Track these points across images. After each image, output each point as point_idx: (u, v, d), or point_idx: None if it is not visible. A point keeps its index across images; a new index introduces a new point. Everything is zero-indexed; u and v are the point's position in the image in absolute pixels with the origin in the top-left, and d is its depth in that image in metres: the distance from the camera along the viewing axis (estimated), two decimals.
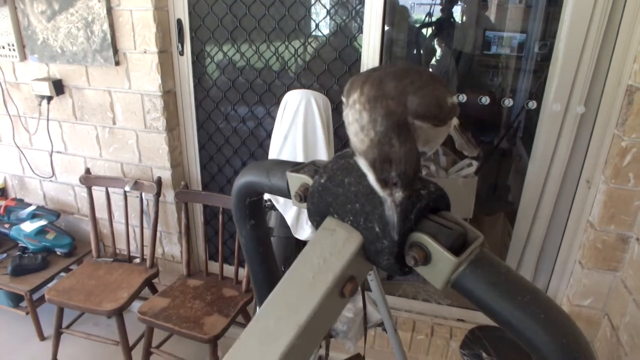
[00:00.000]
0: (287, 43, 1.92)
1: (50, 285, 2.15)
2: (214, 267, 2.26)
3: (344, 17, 1.83)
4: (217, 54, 2.04)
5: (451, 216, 0.49)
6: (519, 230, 1.95)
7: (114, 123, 2.17)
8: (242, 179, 0.67)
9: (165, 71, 2.02)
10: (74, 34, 2.00)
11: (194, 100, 2.14)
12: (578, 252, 1.79)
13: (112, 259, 2.29)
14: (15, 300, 2.35)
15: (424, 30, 2.57)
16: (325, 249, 0.51)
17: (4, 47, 2.15)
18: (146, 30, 1.92)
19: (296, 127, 1.43)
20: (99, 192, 2.27)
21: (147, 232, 2.25)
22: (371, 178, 0.48)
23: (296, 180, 0.59)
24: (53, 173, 2.42)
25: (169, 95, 2.09)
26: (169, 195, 2.26)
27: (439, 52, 2.62)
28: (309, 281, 0.49)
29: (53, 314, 2.11)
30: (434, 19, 2.53)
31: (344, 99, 0.52)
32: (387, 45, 1.87)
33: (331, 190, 0.53)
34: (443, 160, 1.95)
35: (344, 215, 0.52)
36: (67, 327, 2.20)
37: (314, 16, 1.86)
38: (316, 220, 0.56)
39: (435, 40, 2.60)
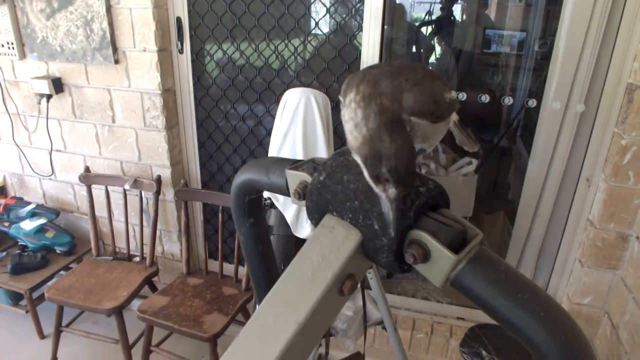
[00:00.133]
0: (286, 41, 1.92)
1: (49, 283, 2.15)
2: (214, 265, 2.26)
3: (344, 16, 1.83)
4: (216, 52, 2.04)
5: (450, 214, 0.49)
6: (518, 228, 1.95)
7: (114, 121, 2.17)
8: (242, 177, 0.67)
9: (165, 69, 2.02)
10: (73, 32, 2.00)
11: (193, 99, 2.14)
12: (578, 251, 1.79)
13: (111, 258, 2.29)
14: (15, 298, 2.35)
15: (424, 29, 2.57)
16: (324, 246, 0.51)
17: (3, 46, 2.15)
18: (145, 29, 1.92)
19: (296, 126, 1.43)
20: (98, 191, 2.27)
21: (147, 231, 2.25)
22: (365, 175, 0.48)
23: (295, 178, 0.59)
24: (52, 171, 2.42)
25: (169, 94, 2.09)
26: (168, 193, 2.26)
27: (439, 50, 2.61)
28: (308, 279, 0.49)
29: (53, 313, 2.11)
30: (434, 17, 2.53)
31: (341, 99, 0.52)
32: (386, 43, 1.87)
33: (330, 187, 0.53)
34: (443, 159, 1.95)
35: (343, 212, 0.52)
36: (67, 325, 2.20)
37: (313, 14, 1.86)
38: (315, 217, 0.56)
39: (435, 39, 2.60)
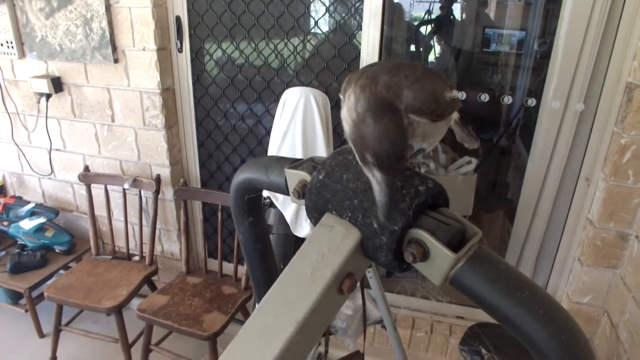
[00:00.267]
0: (286, 40, 1.91)
1: (49, 282, 2.15)
2: (213, 264, 2.26)
3: (343, 15, 1.83)
4: (216, 52, 2.04)
5: (450, 212, 0.49)
6: (518, 227, 1.95)
7: (113, 120, 2.17)
8: (241, 176, 0.67)
9: (164, 68, 2.02)
10: (72, 32, 2.00)
11: (192, 98, 2.14)
12: (577, 250, 1.79)
13: (111, 257, 2.29)
14: (15, 297, 2.35)
15: (423, 28, 2.57)
16: (324, 245, 0.51)
17: (2, 45, 2.15)
18: (145, 28, 1.92)
19: (295, 125, 1.43)
20: (97, 190, 2.27)
21: (146, 230, 2.25)
22: (357, 157, 0.49)
23: (294, 177, 0.59)
24: (52, 171, 2.41)
25: (168, 93, 2.09)
26: (168, 192, 2.26)
27: (438, 49, 2.61)
28: (307, 277, 0.49)
29: (52, 312, 2.11)
30: (433, 16, 2.53)
31: (341, 97, 0.53)
32: (386, 42, 1.87)
33: (329, 186, 0.53)
34: (442, 158, 1.95)
35: (342, 211, 0.52)
36: (66, 324, 2.20)
37: (313, 13, 1.86)
38: (314, 216, 0.56)
39: (435, 38, 2.60)
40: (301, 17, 1.86)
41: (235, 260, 2.11)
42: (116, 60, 2.01)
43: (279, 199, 1.51)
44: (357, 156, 0.49)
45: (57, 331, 2.14)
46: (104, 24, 1.93)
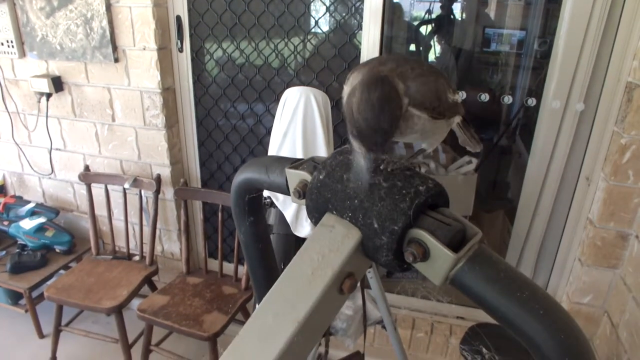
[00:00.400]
0: (286, 40, 1.91)
1: (49, 282, 2.15)
2: (214, 264, 2.26)
3: (344, 14, 1.83)
4: (216, 51, 2.04)
5: (450, 212, 0.49)
6: (518, 227, 1.95)
7: (113, 120, 2.17)
8: (241, 176, 0.67)
9: (165, 68, 2.02)
10: (73, 31, 2.00)
11: (193, 97, 2.14)
12: (577, 250, 1.79)
13: (111, 257, 2.29)
14: (14, 297, 2.35)
15: (423, 28, 2.56)
16: (324, 245, 0.51)
17: (2, 44, 2.15)
18: (145, 27, 1.92)
19: (295, 124, 1.43)
20: (98, 190, 2.27)
21: (147, 230, 2.25)
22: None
23: (295, 177, 0.59)
24: (52, 170, 2.42)
25: (168, 92, 2.09)
26: (168, 192, 2.26)
27: (438, 49, 2.61)
28: (307, 277, 0.49)
29: (52, 312, 2.11)
30: (433, 16, 2.53)
31: (345, 87, 0.53)
32: (386, 42, 1.87)
33: (330, 186, 0.53)
34: (443, 158, 1.95)
35: (343, 211, 0.52)
36: (67, 324, 2.20)
37: (313, 13, 1.86)
38: (315, 216, 0.56)
39: (435, 38, 2.60)
40: (301, 17, 1.86)
41: (236, 260, 2.11)
42: (116, 60, 2.01)
43: (279, 199, 1.51)
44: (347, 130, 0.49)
45: (57, 331, 2.14)
46: (105, 23, 1.93)
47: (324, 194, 0.53)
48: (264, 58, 1.98)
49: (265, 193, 1.50)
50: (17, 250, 2.29)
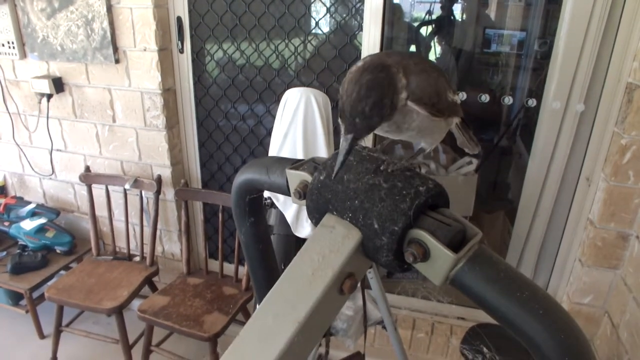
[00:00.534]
0: (287, 41, 1.92)
1: (50, 283, 2.16)
2: (214, 265, 2.26)
3: (344, 15, 1.83)
4: (217, 52, 2.04)
5: (450, 213, 0.49)
6: (518, 228, 1.95)
7: (114, 121, 2.17)
8: (242, 177, 0.67)
9: (165, 69, 2.02)
10: (73, 32, 2.00)
11: (193, 98, 2.14)
12: (578, 250, 1.79)
13: (112, 257, 2.29)
14: (15, 298, 2.35)
15: (424, 28, 2.56)
16: (324, 245, 0.51)
17: (3, 45, 2.15)
18: (146, 28, 1.92)
19: (296, 125, 1.43)
20: (98, 190, 2.27)
21: (147, 230, 2.25)
22: None
23: (295, 178, 0.59)
24: (53, 171, 2.42)
25: (169, 93, 2.09)
26: (168, 193, 2.26)
27: (439, 50, 2.61)
28: (308, 278, 0.49)
29: (53, 312, 2.11)
30: (434, 16, 2.53)
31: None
32: (387, 43, 1.87)
33: (330, 187, 0.53)
34: (443, 158, 1.95)
35: (343, 212, 0.52)
36: (67, 325, 2.20)
37: (314, 14, 1.86)
38: (315, 217, 0.56)
39: (436, 38, 2.60)
40: (302, 18, 1.86)
41: (236, 261, 2.11)
42: (117, 61, 2.01)
43: (279, 200, 1.51)
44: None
45: (58, 332, 2.14)
46: (105, 24, 1.93)
47: (324, 194, 0.54)
48: (264, 59, 1.98)
49: (266, 194, 1.50)
50: (18, 251, 2.30)
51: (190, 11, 1.97)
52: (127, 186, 2.17)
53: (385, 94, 0.48)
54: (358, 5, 1.78)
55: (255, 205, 0.70)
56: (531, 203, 1.87)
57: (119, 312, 1.98)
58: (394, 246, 0.48)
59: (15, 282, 2.17)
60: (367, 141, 1.85)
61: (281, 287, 0.50)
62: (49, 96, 2.16)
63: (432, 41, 2.59)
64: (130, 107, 2.11)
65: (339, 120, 0.49)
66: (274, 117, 1.56)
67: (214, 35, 2.00)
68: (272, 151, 1.50)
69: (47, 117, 2.25)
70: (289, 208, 1.50)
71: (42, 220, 2.35)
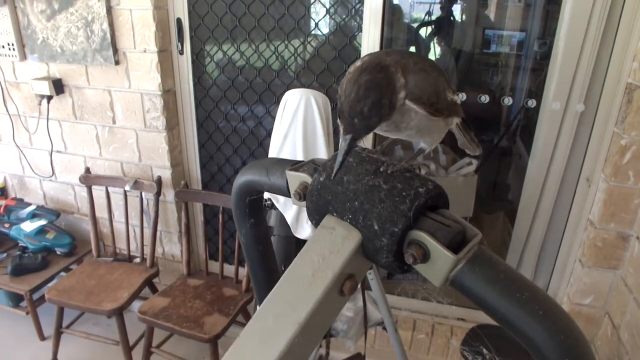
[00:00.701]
0: (286, 42, 1.92)
1: (50, 285, 2.15)
2: (214, 266, 2.26)
3: (344, 16, 1.83)
4: (216, 53, 2.04)
5: (450, 214, 0.49)
6: (519, 228, 1.95)
7: (114, 122, 2.17)
8: (242, 178, 0.67)
9: (165, 70, 2.02)
10: (73, 34, 2.00)
11: (193, 100, 2.14)
12: (578, 251, 1.79)
13: (112, 259, 2.29)
14: (15, 300, 2.35)
15: (423, 29, 2.57)
16: (325, 247, 0.51)
17: (3, 47, 2.15)
18: (146, 30, 1.92)
19: (296, 126, 1.43)
20: (99, 192, 2.28)
21: (147, 232, 2.25)
22: None
23: (295, 179, 0.59)
24: (53, 172, 2.42)
25: (169, 95, 2.09)
26: (169, 194, 2.26)
27: (438, 50, 2.61)
28: (308, 279, 0.49)
29: (53, 314, 2.11)
30: (433, 17, 2.53)
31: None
32: (386, 44, 1.87)
33: (330, 188, 0.53)
34: (443, 159, 1.95)
35: (343, 213, 0.52)
36: (67, 326, 2.20)
37: (313, 15, 1.86)
38: (315, 218, 0.56)
39: (435, 39, 2.60)
40: (302, 19, 1.86)
41: (236, 262, 2.11)
42: (117, 62, 2.01)
43: (280, 201, 1.51)
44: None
45: (58, 333, 2.14)
46: (105, 26, 1.93)
47: (324, 195, 0.54)
48: (264, 60, 1.98)
49: (266, 195, 1.50)
50: (18, 253, 2.30)
51: (190, 12, 1.97)
52: (127, 187, 2.17)
53: (383, 94, 0.48)
54: (357, 6, 1.78)
55: (255, 206, 0.70)
56: (531, 204, 1.87)
57: (119, 313, 1.98)
58: (394, 247, 0.48)
59: (15, 284, 2.17)
60: (367, 142, 1.85)
61: (281, 289, 0.50)
62: (49, 98, 2.16)
63: (432, 42, 2.59)
64: (130, 108, 2.11)
65: (338, 121, 0.49)
66: (273, 118, 1.56)
67: (213, 37, 2.00)
68: (272, 152, 1.50)
69: (47, 119, 2.25)
70: (289, 209, 1.50)
71: (43, 222, 2.35)
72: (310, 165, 0.59)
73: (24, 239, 2.31)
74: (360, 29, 1.80)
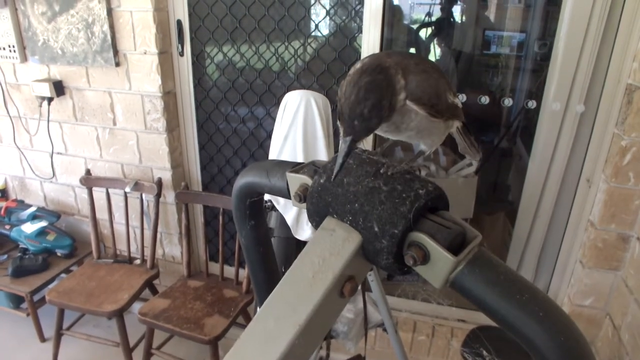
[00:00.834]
0: (286, 43, 1.92)
1: (50, 286, 2.16)
2: (215, 268, 2.26)
3: (344, 18, 1.83)
4: (217, 55, 2.05)
5: (450, 215, 0.49)
6: (519, 229, 1.95)
7: (115, 124, 2.18)
8: (243, 180, 0.67)
9: (165, 72, 2.02)
10: (74, 35, 2.01)
11: (194, 101, 2.14)
12: (579, 252, 1.79)
13: (112, 260, 2.29)
14: (16, 301, 2.35)
15: (423, 30, 2.57)
16: (325, 248, 0.51)
17: (4, 49, 2.16)
18: (146, 31, 1.93)
19: (296, 128, 1.43)
20: (99, 193, 2.28)
21: (148, 233, 2.25)
22: None
23: (296, 181, 0.59)
24: (53, 174, 2.42)
25: (169, 96, 2.09)
26: (169, 196, 2.26)
27: (438, 52, 2.61)
28: (308, 281, 0.49)
29: (54, 316, 2.11)
30: (433, 18, 2.53)
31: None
32: (386, 45, 1.88)
33: (330, 190, 0.53)
34: (443, 160, 1.95)
35: (343, 215, 0.52)
36: (68, 328, 2.20)
37: (313, 16, 1.86)
38: (316, 220, 0.56)
39: (435, 40, 2.60)
40: (302, 21, 1.86)
41: (237, 264, 2.11)
42: (117, 64, 2.02)
43: (280, 202, 1.51)
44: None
45: (59, 335, 2.14)
46: (106, 27, 1.94)
47: (324, 197, 0.54)
48: (264, 62, 1.98)
49: (266, 197, 1.50)
50: (19, 254, 2.30)
51: (190, 14, 1.98)
52: (127, 189, 2.17)
53: (383, 96, 0.48)
54: (357, 7, 1.78)
55: (255, 208, 0.70)
56: (532, 205, 1.86)
57: (119, 315, 1.98)
58: (394, 249, 0.48)
59: (16, 285, 2.17)
60: (367, 143, 1.85)
61: (282, 290, 0.50)
62: (50, 99, 2.17)
63: (432, 43, 2.59)
64: (131, 110, 2.11)
65: (338, 123, 0.49)
66: (274, 119, 1.56)
67: (214, 38, 2.00)
68: (272, 154, 1.50)
69: (48, 121, 2.25)
70: (290, 211, 1.50)
71: (43, 224, 2.35)
72: (310, 167, 0.59)
73: (25, 241, 2.31)
74: (360, 30, 1.80)
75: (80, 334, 2.16)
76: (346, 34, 1.84)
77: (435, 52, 2.63)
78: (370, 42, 1.78)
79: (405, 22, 2.48)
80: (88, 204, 2.25)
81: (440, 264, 0.46)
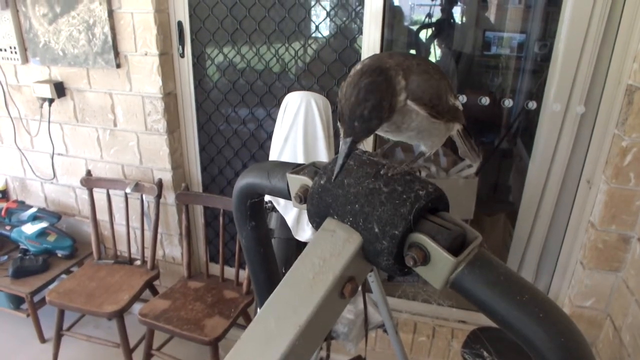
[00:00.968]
0: (287, 45, 1.92)
1: (51, 287, 2.16)
2: (215, 269, 2.26)
3: (344, 19, 1.83)
4: (217, 56, 2.05)
5: (450, 217, 0.49)
6: (520, 230, 1.95)
7: (115, 125, 2.18)
8: (243, 181, 0.67)
9: (166, 73, 2.03)
10: (75, 37, 2.01)
11: (194, 102, 2.15)
12: (579, 253, 1.79)
13: (112, 261, 2.30)
14: (16, 302, 2.35)
15: (424, 31, 2.57)
16: (325, 249, 0.51)
17: (5, 50, 2.16)
18: (147, 33, 1.93)
19: (296, 129, 1.43)
20: (99, 194, 2.28)
21: (148, 234, 2.25)
22: None
23: (296, 182, 0.59)
24: (54, 175, 2.42)
25: (170, 97, 2.09)
26: (169, 197, 2.26)
27: (439, 53, 2.62)
28: (309, 282, 0.49)
29: (54, 316, 2.11)
30: (433, 19, 2.53)
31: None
32: (386, 46, 1.88)
33: (331, 191, 0.53)
34: (444, 161, 1.95)
35: (344, 216, 0.52)
36: (68, 329, 2.20)
37: (314, 18, 1.87)
38: (316, 221, 0.56)
39: (435, 41, 2.60)
40: (302, 22, 1.87)
41: (237, 265, 2.11)
42: (118, 65, 2.02)
43: (280, 203, 1.51)
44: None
45: (59, 336, 2.14)
46: (107, 29, 1.94)
47: (325, 198, 0.54)
48: (264, 63, 1.98)
49: (267, 198, 1.50)
50: (19, 255, 2.30)
51: (191, 16, 1.98)
52: (128, 190, 2.17)
53: (383, 97, 0.48)
54: (358, 8, 1.78)
55: (256, 209, 0.70)
56: (532, 206, 1.86)
57: (119, 316, 1.98)
58: (394, 250, 0.48)
59: (16, 286, 2.17)
60: (368, 145, 1.85)
61: (282, 291, 0.50)
62: (51, 101, 2.17)
63: (432, 44, 2.60)
64: (131, 111, 2.11)
65: (338, 124, 0.49)
66: (274, 120, 1.56)
67: (214, 40, 2.01)
68: (273, 155, 1.50)
69: (49, 122, 2.25)
70: (290, 212, 1.50)
71: (44, 224, 2.35)
72: (310, 168, 0.60)
73: (25, 242, 2.31)
74: (360, 31, 1.80)
75: (81, 335, 2.16)
76: (346, 35, 1.84)
77: (435, 53, 2.63)
78: (370, 44, 1.78)
79: (406, 23, 2.48)
80: (88, 205, 2.26)
81: (441, 264, 0.46)
